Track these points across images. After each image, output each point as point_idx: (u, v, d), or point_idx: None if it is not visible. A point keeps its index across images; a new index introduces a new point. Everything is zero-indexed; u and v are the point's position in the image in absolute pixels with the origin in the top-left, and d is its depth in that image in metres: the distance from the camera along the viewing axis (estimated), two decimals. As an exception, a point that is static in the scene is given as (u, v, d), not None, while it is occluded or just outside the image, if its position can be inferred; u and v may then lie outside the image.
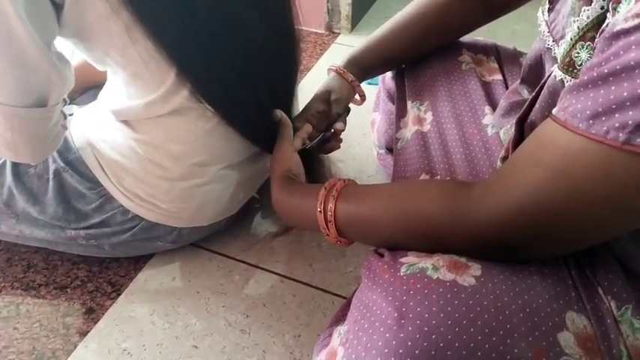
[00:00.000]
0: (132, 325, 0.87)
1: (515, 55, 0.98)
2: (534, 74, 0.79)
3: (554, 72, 0.62)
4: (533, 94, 0.68)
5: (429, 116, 0.89)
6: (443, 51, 0.97)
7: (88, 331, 0.86)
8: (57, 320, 0.87)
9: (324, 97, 0.91)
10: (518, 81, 0.86)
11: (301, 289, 0.91)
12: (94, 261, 0.95)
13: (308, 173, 0.84)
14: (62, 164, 0.87)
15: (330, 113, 0.92)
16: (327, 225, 0.67)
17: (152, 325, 0.86)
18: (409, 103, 0.93)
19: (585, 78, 0.48)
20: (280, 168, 0.78)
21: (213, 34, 0.73)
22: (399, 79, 1.00)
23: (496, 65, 0.96)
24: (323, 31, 1.58)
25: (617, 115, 0.44)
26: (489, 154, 0.80)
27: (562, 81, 0.60)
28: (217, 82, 0.77)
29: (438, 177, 0.80)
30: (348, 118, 0.93)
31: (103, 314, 0.88)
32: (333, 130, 0.90)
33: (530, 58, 0.79)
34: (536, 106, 0.67)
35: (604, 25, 0.53)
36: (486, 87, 0.92)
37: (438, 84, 0.93)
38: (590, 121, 0.46)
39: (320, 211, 0.67)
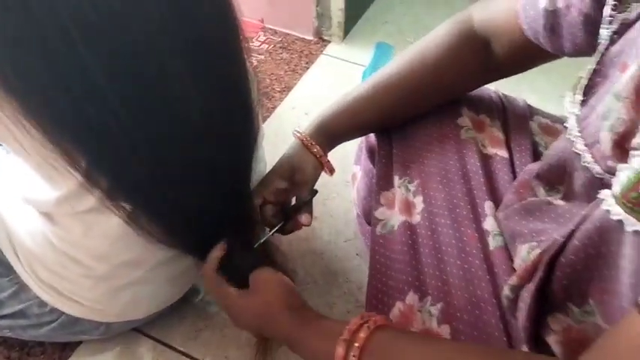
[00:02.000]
0: None
1: (525, 117, 0.81)
2: (555, 175, 0.63)
3: (608, 205, 0.46)
4: (570, 228, 0.52)
5: (419, 202, 0.73)
6: (439, 107, 0.80)
7: None
8: None
9: (287, 175, 0.75)
10: (531, 169, 0.70)
11: (251, 397, 0.78)
12: (14, 342, 0.81)
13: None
14: (-32, 242, 0.72)
15: (291, 190, 0.76)
16: None
17: None
18: (396, 178, 0.76)
19: None
20: (278, 301, 0.61)
21: (130, 119, 0.54)
22: (384, 137, 0.83)
23: (501, 135, 0.79)
24: (311, 38, 1.38)
25: None
26: (492, 274, 0.64)
27: (621, 222, 0.45)
28: (140, 184, 0.59)
29: (429, 298, 0.65)
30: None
31: (16, 420, 0.76)
32: (294, 219, 0.75)
33: (551, 157, 0.63)
34: (576, 242, 0.51)
35: None
36: (487, 165, 0.76)
37: (432, 156, 0.76)
38: None
39: None
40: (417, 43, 0.76)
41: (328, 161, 0.77)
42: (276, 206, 0.77)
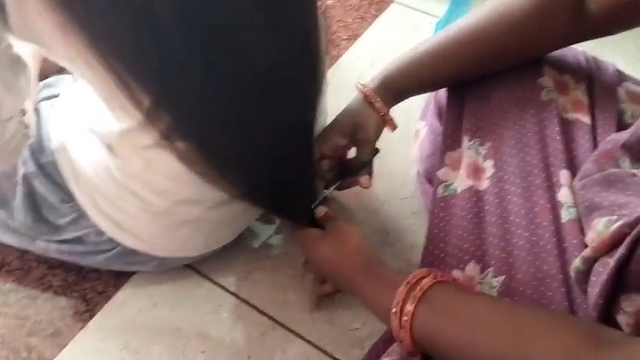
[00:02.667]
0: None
1: (612, 83, 0.75)
2: None
3: None
4: None
5: (488, 167, 0.69)
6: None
7: (52, 359, 0.76)
8: (20, 339, 0.78)
9: (348, 131, 0.72)
10: (616, 138, 0.64)
11: (295, 343, 0.78)
12: (71, 267, 0.84)
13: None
14: (33, 168, 0.73)
15: (350, 147, 0.74)
16: (400, 330, 0.54)
17: (120, 364, 0.76)
18: (465, 140, 0.72)
19: None
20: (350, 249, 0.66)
21: (195, 63, 0.53)
22: (455, 93, 0.78)
23: (585, 99, 0.73)
24: (383, -15, 1.32)
25: None
26: (562, 249, 0.61)
27: None
28: (201, 128, 0.58)
29: (491, 270, 0.62)
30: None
31: (71, 339, 0.78)
32: (352, 178, 0.73)
33: None
34: None
35: None
36: (567, 131, 0.71)
37: (507, 117, 0.72)
38: None
39: (395, 312, 0.53)
40: None
41: (391, 118, 0.74)
42: (333, 161, 0.75)
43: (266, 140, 0.61)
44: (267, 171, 0.64)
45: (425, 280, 0.55)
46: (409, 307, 0.53)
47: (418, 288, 0.54)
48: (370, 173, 0.75)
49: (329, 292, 0.76)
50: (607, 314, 0.52)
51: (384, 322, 0.57)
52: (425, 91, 0.78)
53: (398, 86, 0.72)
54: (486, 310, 0.52)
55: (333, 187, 0.72)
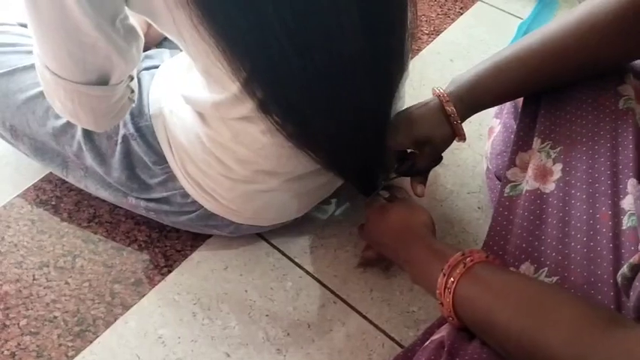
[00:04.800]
0: (174, 311, 0.83)
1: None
2: None
3: None
4: None
5: (557, 170, 0.70)
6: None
7: (132, 305, 0.84)
8: (106, 285, 0.86)
9: (419, 140, 0.75)
10: None
11: (353, 318, 0.82)
12: (155, 225, 0.92)
13: None
14: (132, 130, 0.81)
15: (413, 155, 0.78)
16: (444, 291, 0.59)
17: (192, 317, 0.83)
18: (537, 141, 0.73)
19: None
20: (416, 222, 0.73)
21: (294, 48, 0.59)
22: (531, 94, 0.80)
23: (664, 110, 0.73)
24: (470, -18, 1.33)
25: None
26: (617, 255, 0.61)
27: None
28: (291, 103, 0.64)
29: (545, 270, 0.64)
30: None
31: (150, 290, 0.86)
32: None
33: None
34: None
35: None
36: (640, 141, 0.71)
37: (582, 123, 0.72)
38: None
39: (444, 274, 0.60)
40: (584, 4, 0.71)
41: (463, 131, 0.75)
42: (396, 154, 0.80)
43: (347, 119, 0.66)
44: (346, 145, 0.70)
45: (477, 255, 0.60)
46: (457, 271, 0.59)
47: (469, 259, 0.60)
48: (424, 184, 0.79)
49: (370, 258, 0.82)
50: None
51: (431, 290, 0.62)
52: (501, 102, 0.80)
53: (472, 98, 0.74)
54: (515, 291, 0.56)
55: (394, 177, 0.76)
